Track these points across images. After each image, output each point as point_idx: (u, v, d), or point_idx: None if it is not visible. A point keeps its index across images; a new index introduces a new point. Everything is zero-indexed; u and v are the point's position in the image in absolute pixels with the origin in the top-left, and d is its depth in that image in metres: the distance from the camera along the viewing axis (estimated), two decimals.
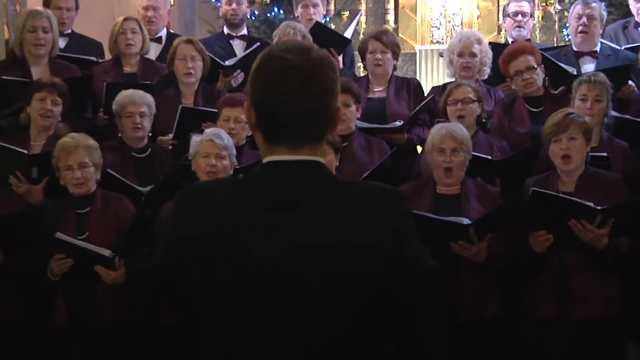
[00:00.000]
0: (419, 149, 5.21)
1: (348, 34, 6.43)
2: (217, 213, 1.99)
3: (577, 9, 5.82)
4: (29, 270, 4.22)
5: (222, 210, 1.99)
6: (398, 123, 5.19)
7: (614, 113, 4.93)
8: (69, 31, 6.20)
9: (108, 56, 6.17)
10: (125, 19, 5.73)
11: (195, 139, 4.39)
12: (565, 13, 8.99)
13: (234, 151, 4.40)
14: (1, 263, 4.19)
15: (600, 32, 5.88)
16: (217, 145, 4.30)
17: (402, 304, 1.98)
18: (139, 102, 4.94)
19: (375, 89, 5.52)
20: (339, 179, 2.04)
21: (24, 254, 4.22)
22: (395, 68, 5.62)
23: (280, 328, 1.94)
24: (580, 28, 5.74)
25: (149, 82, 5.45)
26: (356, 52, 5.98)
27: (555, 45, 8.85)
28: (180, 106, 5.13)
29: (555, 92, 5.25)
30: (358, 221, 1.94)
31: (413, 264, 1.99)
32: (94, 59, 5.93)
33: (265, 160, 2.00)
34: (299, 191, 1.97)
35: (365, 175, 4.59)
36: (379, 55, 5.45)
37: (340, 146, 4.55)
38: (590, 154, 4.33)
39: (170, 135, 5.10)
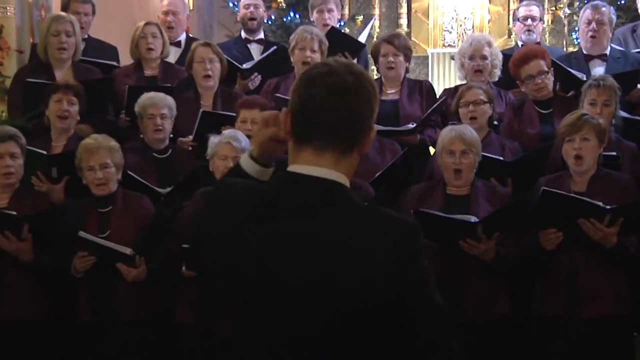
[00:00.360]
0: (432, 150, 5.20)
1: (362, 38, 6.43)
2: (236, 216, 2.01)
3: (586, 13, 5.80)
4: (55, 268, 4.22)
5: (241, 215, 2.00)
6: (410, 126, 5.18)
7: (622, 114, 4.91)
8: (86, 36, 6.22)
9: (123, 60, 6.18)
10: (146, 24, 5.75)
11: (214, 140, 4.40)
12: (575, 17, 8.98)
13: None
14: (31, 261, 4.18)
15: (610, 35, 5.86)
16: (234, 147, 4.31)
17: (406, 331, 1.96)
18: (160, 104, 4.95)
19: (388, 91, 5.51)
20: (355, 202, 1.99)
21: (49, 252, 4.22)
22: (407, 70, 5.61)
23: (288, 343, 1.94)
24: (590, 32, 5.72)
25: (169, 85, 5.45)
26: (369, 55, 5.97)
27: (564, 48, 8.85)
28: (201, 110, 5.13)
29: (566, 95, 5.24)
30: (367, 246, 1.92)
31: (418, 294, 1.95)
32: (114, 63, 5.95)
33: (288, 168, 2.00)
34: (311, 210, 1.95)
35: (376, 175, 4.59)
36: (391, 58, 5.44)
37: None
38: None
39: (190, 137, 5.10)
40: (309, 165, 1.97)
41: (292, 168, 1.99)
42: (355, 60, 5.88)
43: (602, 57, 5.74)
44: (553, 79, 5.18)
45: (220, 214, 2.04)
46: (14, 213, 4.19)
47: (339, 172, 1.98)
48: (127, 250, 4.19)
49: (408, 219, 2.03)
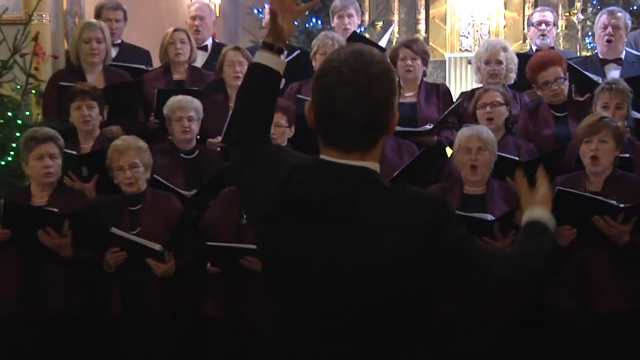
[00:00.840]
0: (449, 152, 5.19)
1: (383, 43, 6.43)
2: (272, 201, 2.03)
3: (602, 18, 5.78)
4: (92, 263, 4.26)
5: (276, 201, 2.02)
6: (428, 126, 5.18)
7: (636, 114, 4.88)
8: (119, 41, 6.26)
9: (156, 64, 6.22)
10: (174, 30, 5.78)
11: None
12: (588, 22, 8.94)
13: None
14: (70, 256, 4.22)
15: (625, 40, 5.84)
16: None
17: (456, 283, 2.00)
18: (187, 107, 4.98)
19: (406, 94, 5.51)
20: (386, 185, 2.01)
21: (87, 247, 4.25)
22: (424, 74, 5.61)
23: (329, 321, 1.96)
24: (606, 37, 5.71)
25: (196, 89, 5.48)
26: (388, 60, 5.97)
27: (578, 52, 8.81)
28: (230, 112, 5.15)
29: (581, 99, 5.22)
30: (400, 223, 1.93)
31: (460, 252, 1.97)
32: (144, 67, 5.98)
33: (320, 156, 2.02)
34: (345, 194, 1.96)
35: (395, 174, 4.59)
36: (409, 62, 5.44)
37: None
38: None
39: (219, 138, 5.12)
40: (337, 159, 1.98)
41: (324, 157, 2.01)
42: None
43: (618, 61, 5.74)
44: (568, 84, 5.16)
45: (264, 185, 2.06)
46: (56, 210, 4.22)
47: (369, 161, 1.99)
48: (157, 247, 4.21)
49: (436, 195, 2.07)
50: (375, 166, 2.00)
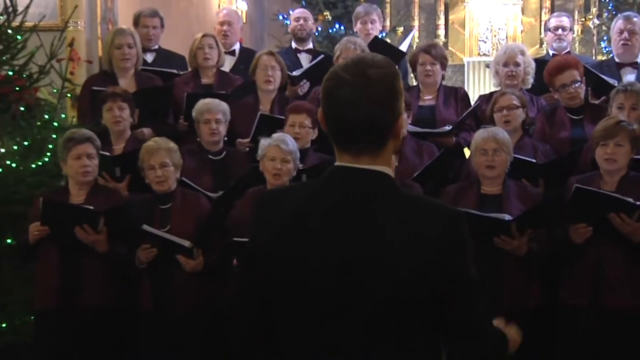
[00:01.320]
0: (467, 152, 5.18)
1: (404, 47, 6.42)
2: (287, 218, 2.00)
3: (618, 23, 5.75)
4: (127, 259, 4.29)
5: (291, 215, 2.00)
6: (447, 128, 5.17)
7: None
8: (156, 47, 6.30)
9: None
10: (203, 36, 5.80)
11: (264, 142, 4.41)
12: (603, 27, 8.88)
13: (298, 155, 4.42)
14: (106, 252, 4.26)
15: None
16: (282, 150, 4.32)
17: (451, 313, 1.96)
18: (215, 109, 4.99)
19: (426, 98, 5.51)
20: (400, 190, 2.00)
21: (122, 243, 4.29)
22: (443, 78, 5.60)
23: (344, 324, 1.94)
24: (622, 41, 5.68)
25: (224, 92, 5.50)
26: (408, 64, 5.98)
27: (593, 56, 8.76)
28: (259, 113, 5.17)
29: (597, 102, 5.19)
30: (414, 232, 1.91)
31: (462, 277, 1.96)
32: (175, 71, 6.01)
33: (335, 164, 2.01)
34: (359, 200, 1.95)
35: (415, 174, 4.58)
36: (428, 67, 5.44)
37: (400, 148, 4.53)
38: None
39: (248, 140, 5.13)
40: (351, 164, 1.98)
41: (338, 164, 2.00)
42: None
43: (634, 64, 5.70)
44: (585, 86, 5.14)
45: (270, 225, 2.03)
46: (92, 208, 4.25)
47: (380, 165, 1.98)
48: (186, 243, 4.22)
49: (453, 207, 2.04)
50: (387, 170, 1.99)
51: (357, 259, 1.92)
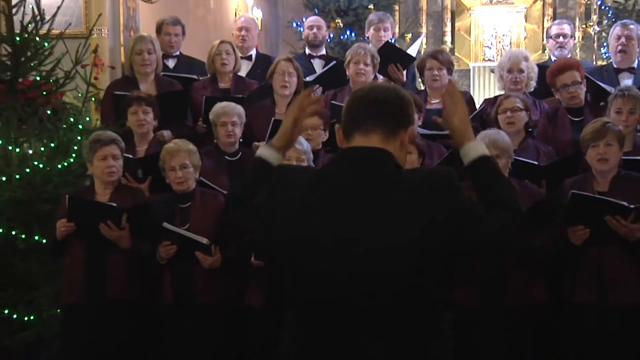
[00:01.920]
0: None
1: (412, 52, 6.42)
2: (297, 194, 2.05)
3: (616, 30, 5.75)
4: (150, 254, 4.30)
5: (301, 192, 2.05)
6: None
7: None
8: (177, 53, 6.32)
9: None
10: (220, 42, 5.82)
11: None
12: (604, 34, 8.86)
13: (312, 155, 4.42)
14: (129, 247, 4.27)
15: (638, 50, 5.79)
16: (297, 150, 4.31)
17: (468, 241, 2.05)
18: (231, 112, 5.00)
19: (433, 101, 5.52)
20: (400, 168, 2.08)
21: (145, 240, 4.30)
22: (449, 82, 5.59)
23: (354, 301, 1.97)
24: (619, 47, 5.69)
25: (241, 96, 5.51)
26: (416, 69, 5.98)
27: (594, 61, 8.74)
28: (273, 119, 5.18)
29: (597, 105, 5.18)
30: (416, 196, 1.98)
31: (470, 210, 2.05)
32: (195, 76, 6.03)
33: (342, 147, 2.11)
34: (364, 178, 2.01)
35: None
36: (436, 72, 5.45)
37: (424, 149, 4.53)
38: (625, 157, 4.25)
39: (264, 143, 5.14)
40: (359, 145, 2.05)
41: (345, 146, 2.09)
42: (404, 72, 5.90)
43: (631, 69, 5.71)
44: (585, 89, 5.13)
45: (283, 194, 2.08)
46: (114, 205, 4.27)
47: (388, 150, 2.05)
48: (204, 240, 4.23)
49: (442, 167, 2.19)
50: (398, 156, 2.07)
51: (366, 231, 1.96)
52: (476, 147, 2.21)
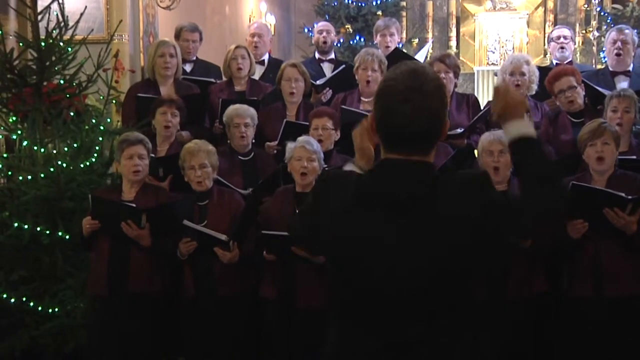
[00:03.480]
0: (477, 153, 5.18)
1: (420, 58, 6.42)
2: (343, 204, 2.02)
3: (612, 34, 5.75)
4: (171, 251, 4.33)
5: (346, 199, 2.02)
6: (459, 131, 5.17)
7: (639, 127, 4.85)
8: (194, 58, 6.35)
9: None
10: (236, 47, 5.84)
11: (290, 145, 4.42)
12: (602, 39, 8.85)
13: (322, 155, 4.42)
14: (149, 245, 4.29)
15: (633, 54, 5.78)
16: (308, 150, 4.33)
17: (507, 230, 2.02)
18: (243, 114, 5.02)
19: None
20: (438, 174, 2.05)
21: (166, 237, 4.32)
22: (456, 85, 5.59)
23: (398, 300, 1.96)
24: (615, 51, 5.68)
25: (255, 98, 5.54)
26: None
27: (594, 65, 8.72)
28: (285, 120, 5.20)
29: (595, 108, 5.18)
30: (456, 199, 1.95)
31: (506, 204, 2.01)
32: (212, 80, 6.05)
33: (383, 157, 2.04)
34: (410, 183, 1.98)
35: None
36: (442, 75, 5.41)
37: None
38: (621, 157, 4.26)
39: (276, 143, 5.17)
40: (400, 157, 2.01)
41: (387, 156, 2.02)
42: None
43: (626, 73, 5.70)
44: (583, 93, 5.12)
45: (331, 200, 2.06)
46: (134, 205, 4.30)
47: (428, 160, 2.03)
48: (223, 237, 4.25)
49: (479, 171, 2.10)
50: (433, 155, 2.05)
51: (413, 238, 1.94)
52: (520, 126, 2.11)
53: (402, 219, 1.95)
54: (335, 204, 2.03)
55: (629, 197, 3.90)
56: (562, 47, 6.33)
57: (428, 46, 8.08)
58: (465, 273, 1.97)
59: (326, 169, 4.51)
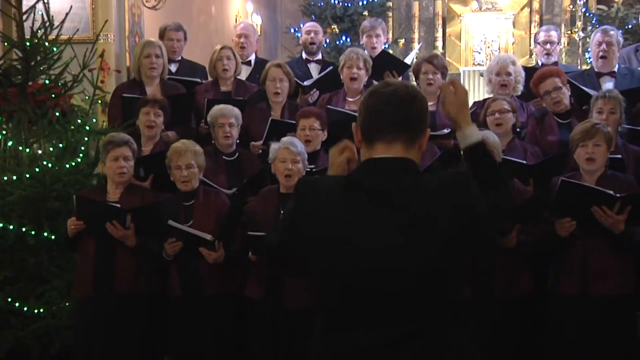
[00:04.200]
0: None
1: (409, 60, 6.44)
2: (325, 201, 2.06)
3: (597, 36, 5.77)
4: (156, 252, 4.32)
5: (329, 198, 2.06)
6: (445, 131, 5.19)
7: (626, 126, 4.88)
8: (179, 58, 6.33)
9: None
10: (222, 48, 5.83)
11: (274, 146, 4.41)
12: (588, 39, 8.90)
13: (306, 156, 4.40)
14: (135, 245, 4.28)
15: (617, 55, 5.81)
16: (292, 151, 4.31)
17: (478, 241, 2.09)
18: (228, 114, 5.01)
19: (428, 104, 5.50)
20: (420, 173, 2.11)
21: (152, 238, 4.32)
22: None
23: (381, 297, 1.99)
24: (600, 53, 5.70)
25: (241, 98, 5.54)
26: (411, 73, 5.99)
27: (579, 66, 8.77)
28: (270, 118, 5.20)
29: (581, 108, 5.21)
30: (436, 198, 2.00)
31: (482, 216, 2.07)
32: (198, 80, 6.05)
33: (364, 158, 2.09)
34: (390, 180, 2.02)
35: None
36: (430, 76, 5.45)
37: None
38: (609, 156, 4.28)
39: (261, 142, 5.17)
40: (382, 155, 2.05)
41: (369, 156, 2.08)
42: (400, 78, 5.92)
43: (612, 74, 5.72)
44: (569, 93, 5.15)
45: (312, 200, 2.09)
46: (119, 205, 4.29)
47: (410, 156, 2.07)
48: (208, 237, 4.25)
49: (460, 171, 2.15)
50: (416, 159, 2.10)
51: (388, 242, 1.97)
52: (472, 133, 2.28)
53: (383, 217, 1.98)
54: (316, 206, 2.06)
55: (617, 195, 3.93)
56: (547, 54, 6.37)
57: (417, 49, 8.11)
58: (442, 273, 2.00)
59: (312, 169, 4.52)
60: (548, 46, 6.36)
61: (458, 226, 1.99)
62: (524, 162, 4.66)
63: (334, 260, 2.02)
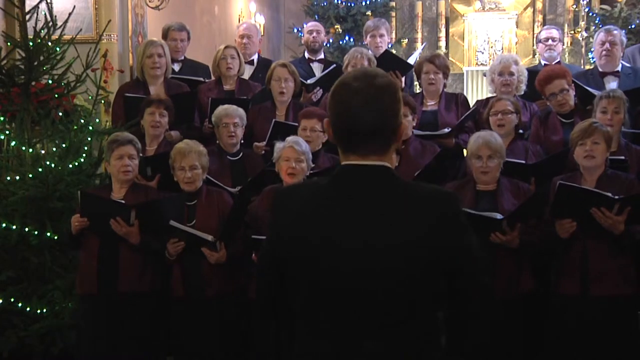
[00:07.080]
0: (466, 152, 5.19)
1: (412, 60, 6.44)
2: (302, 209, 2.03)
3: (600, 36, 5.76)
4: (160, 250, 4.32)
5: (306, 206, 2.03)
6: (447, 130, 5.18)
7: (628, 130, 4.86)
8: (182, 58, 6.33)
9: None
10: (225, 47, 5.84)
11: (278, 145, 4.42)
12: (590, 39, 8.90)
13: (310, 156, 4.42)
14: (138, 243, 4.27)
15: (621, 55, 5.79)
16: (296, 150, 4.32)
17: (459, 282, 2.01)
18: (232, 114, 5.02)
19: (429, 103, 5.52)
20: (401, 180, 2.04)
21: (155, 236, 4.31)
22: (445, 85, 5.60)
23: (357, 301, 1.95)
24: (604, 52, 5.69)
25: (244, 98, 5.53)
26: (413, 72, 5.98)
27: (582, 66, 8.76)
28: (274, 120, 5.19)
29: (585, 108, 5.19)
30: (415, 216, 1.94)
31: (464, 251, 2.01)
32: (201, 79, 6.05)
33: (343, 163, 2.04)
34: (366, 189, 1.98)
35: (416, 174, 4.59)
36: (432, 76, 5.44)
37: (400, 148, 4.54)
38: (610, 157, 4.27)
39: (264, 143, 5.16)
40: (357, 162, 2.01)
41: (345, 162, 2.03)
42: (403, 78, 5.91)
43: (615, 73, 5.71)
44: (574, 94, 5.13)
45: (288, 210, 2.06)
46: (123, 202, 4.29)
47: (384, 162, 2.02)
48: (209, 237, 4.24)
49: (448, 190, 2.07)
50: (390, 166, 2.03)
51: (365, 243, 1.94)
52: None
53: (358, 223, 1.95)
54: (294, 210, 2.04)
55: (616, 197, 3.91)
56: (549, 49, 6.35)
57: (421, 49, 8.10)
58: (417, 282, 1.96)
59: (313, 169, 4.51)
60: (549, 42, 6.35)
61: (438, 235, 1.94)
62: (524, 162, 4.65)
63: (314, 259, 2.00)
